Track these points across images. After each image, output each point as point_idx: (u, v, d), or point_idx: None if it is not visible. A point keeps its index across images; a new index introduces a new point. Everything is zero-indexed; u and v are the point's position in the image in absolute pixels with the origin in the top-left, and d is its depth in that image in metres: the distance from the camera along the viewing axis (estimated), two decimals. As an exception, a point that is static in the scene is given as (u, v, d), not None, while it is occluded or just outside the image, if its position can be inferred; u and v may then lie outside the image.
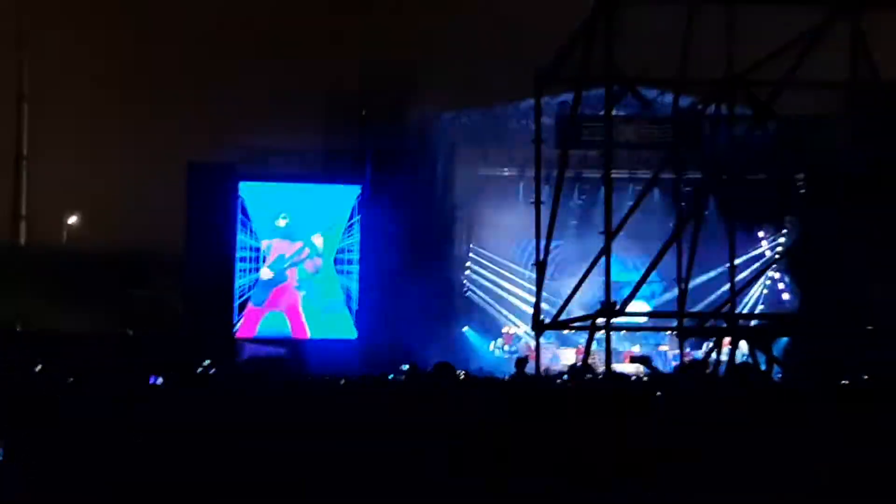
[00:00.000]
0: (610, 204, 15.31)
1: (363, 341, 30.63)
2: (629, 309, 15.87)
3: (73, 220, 42.10)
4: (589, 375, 10.82)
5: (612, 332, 15.05)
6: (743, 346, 18.72)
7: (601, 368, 13.99)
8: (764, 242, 32.44)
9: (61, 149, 40.05)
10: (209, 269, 30.89)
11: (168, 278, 36.07)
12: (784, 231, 31.57)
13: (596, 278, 16.00)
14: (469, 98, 33.62)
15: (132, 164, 37.26)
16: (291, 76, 29.34)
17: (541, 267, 17.91)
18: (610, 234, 15.15)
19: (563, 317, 16.74)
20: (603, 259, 14.91)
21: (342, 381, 12.37)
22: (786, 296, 32.21)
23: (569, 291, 16.58)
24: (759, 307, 31.42)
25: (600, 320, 15.18)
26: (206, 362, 24.49)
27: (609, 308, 14.94)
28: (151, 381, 11.66)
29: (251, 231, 31.96)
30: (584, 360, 14.31)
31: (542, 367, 17.92)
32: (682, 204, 18.99)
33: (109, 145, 39.39)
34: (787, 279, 32.02)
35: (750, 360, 16.37)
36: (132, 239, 36.60)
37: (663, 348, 29.47)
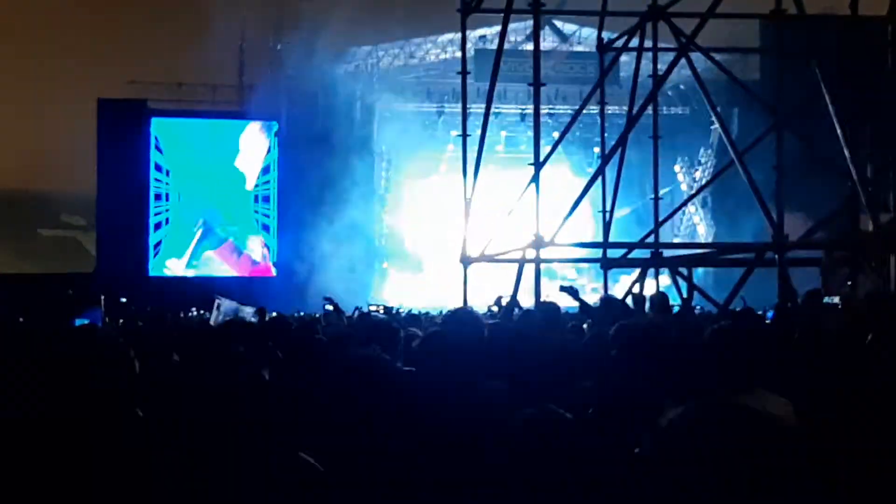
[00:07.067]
0: (538, 134, 15.23)
1: (282, 279, 30.28)
2: (557, 241, 15.85)
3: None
4: (517, 310, 10.65)
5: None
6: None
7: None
8: (681, 175, 32.98)
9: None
10: (122, 207, 30.16)
11: (79, 217, 35.30)
12: (700, 163, 32.08)
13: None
14: (385, 32, 33.22)
15: (40, 102, 36.27)
16: (204, 10, 28.54)
17: (468, 201, 17.81)
18: (539, 166, 15.09)
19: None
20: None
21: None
22: (701, 229, 32.84)
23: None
24: (676, 239, 31.88)
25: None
26: (123, 300, 24.05)
27: (538, 240, 14.93)
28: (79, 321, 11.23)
29: (164, 168, 31.24)
30: (514, 293, 14.24)
31: None
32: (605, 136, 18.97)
33: (15, 83, 38.21)
34: (702, 212, 32.62)
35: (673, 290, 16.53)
36: (41, 178, 35.69)
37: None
